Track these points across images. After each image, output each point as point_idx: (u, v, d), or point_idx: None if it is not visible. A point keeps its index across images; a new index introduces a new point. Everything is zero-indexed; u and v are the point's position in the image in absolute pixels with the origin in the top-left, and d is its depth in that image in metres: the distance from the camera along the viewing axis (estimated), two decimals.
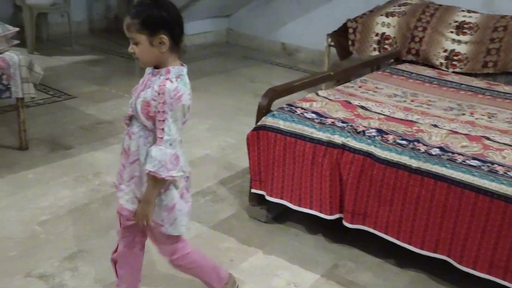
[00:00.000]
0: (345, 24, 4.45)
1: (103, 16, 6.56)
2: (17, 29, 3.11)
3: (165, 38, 1.53)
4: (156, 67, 1.60)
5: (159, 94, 1.54)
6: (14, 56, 2.98)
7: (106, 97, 4.23)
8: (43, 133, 3.46)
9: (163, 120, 1.55)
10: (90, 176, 2.96)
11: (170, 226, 1.70)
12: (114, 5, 6.62)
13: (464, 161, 2.16)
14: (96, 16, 6.47)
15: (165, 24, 1.53)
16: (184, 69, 1.61)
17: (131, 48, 1.58)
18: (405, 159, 2.21)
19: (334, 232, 2.53)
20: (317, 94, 2.88)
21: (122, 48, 5.77)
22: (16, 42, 3.15)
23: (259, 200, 2.62)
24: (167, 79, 1.55)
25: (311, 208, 2.44)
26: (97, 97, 4.20)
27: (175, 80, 1.55)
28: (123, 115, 3.90)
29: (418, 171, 2.17)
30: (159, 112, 1.55)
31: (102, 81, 4.60)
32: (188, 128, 3.75)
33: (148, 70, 1.65)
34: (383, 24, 4.23)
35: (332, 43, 4.55)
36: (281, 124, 2.46)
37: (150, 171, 1.57)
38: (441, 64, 3.96)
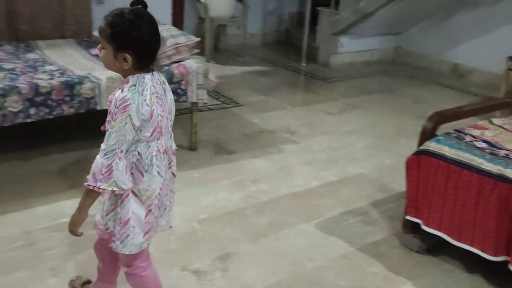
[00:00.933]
0: None
1: (275, 29, 6.86)
2: (198, 39, 3.40)
3: (128, 57, 1.51)
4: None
5: (109, 103, 1.53)
6: (193, 64, 3.27)
7: (270, 107, 4.41)
8: (211, 136, 3.72)
9: (107, 129, 1.53)
10: (248, 182, 3.10)
11: (120, 244, 1.63)
12: (285, 19, 6.89)
13: None
14: (268, 29, 6.79)
15: (133, 44, 1.50)
16: (147, 76, 1.54)
17: (98, 48, 1.56)
18: None
19: (496, 274, 2.30)
20: (491, 122, 2.65)
21: (289, 61, 5.97)
22: (197, 51, 3.44)
23: (412, 228, 2.49)
24: (120, 88, 1.53)
25: (472, 245, 2.25)
26: (262, 107, 4.40)
27: (127, 90, 1.51)
28: (284, 126, 4.04)
29: None
30: (108, 120, 1.54)
31: (268, 92, 4.80)
32: (345, 145, 3.75)
33: None
34: None
35: None
36: (446, 150, 2.31)
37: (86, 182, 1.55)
38: None
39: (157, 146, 1.60)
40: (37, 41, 3.58)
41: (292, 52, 6.27)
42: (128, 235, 1.62)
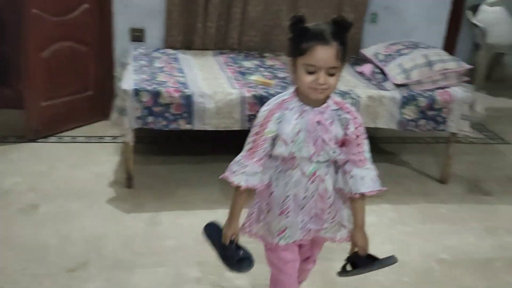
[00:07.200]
0: None
1: None
2: (470, 66, 3.14)
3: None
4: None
5: (355, 118, 1.51)
6: (459, 92, 3.03)
7: None
8: (466, 171, 3.40)
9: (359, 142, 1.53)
10: (502, 231, 2.73)
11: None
12: None
13: None
14: None
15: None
16: None
17: (324, 80, 1.39)
18: None
19: None
20: None
21: None
22: (466, 79, 3.18)
23: None
24: (344, 103, 1.52)
25: None
26: None
27: (341, 99, 1.54)
28: None
29: None
30: (357, 136, 1.51)
31: None
32: None
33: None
34: None
35: None
36: None
37: (369, 191, 1.54)
38: None
39: None
40: None
41: None
42: None
